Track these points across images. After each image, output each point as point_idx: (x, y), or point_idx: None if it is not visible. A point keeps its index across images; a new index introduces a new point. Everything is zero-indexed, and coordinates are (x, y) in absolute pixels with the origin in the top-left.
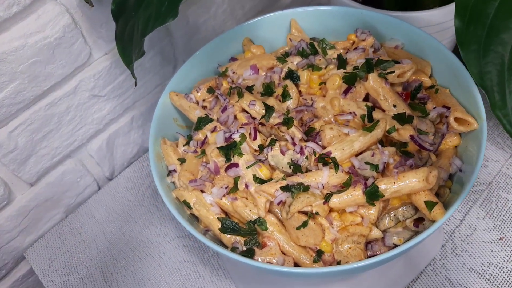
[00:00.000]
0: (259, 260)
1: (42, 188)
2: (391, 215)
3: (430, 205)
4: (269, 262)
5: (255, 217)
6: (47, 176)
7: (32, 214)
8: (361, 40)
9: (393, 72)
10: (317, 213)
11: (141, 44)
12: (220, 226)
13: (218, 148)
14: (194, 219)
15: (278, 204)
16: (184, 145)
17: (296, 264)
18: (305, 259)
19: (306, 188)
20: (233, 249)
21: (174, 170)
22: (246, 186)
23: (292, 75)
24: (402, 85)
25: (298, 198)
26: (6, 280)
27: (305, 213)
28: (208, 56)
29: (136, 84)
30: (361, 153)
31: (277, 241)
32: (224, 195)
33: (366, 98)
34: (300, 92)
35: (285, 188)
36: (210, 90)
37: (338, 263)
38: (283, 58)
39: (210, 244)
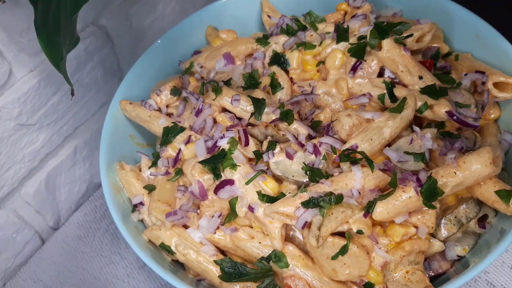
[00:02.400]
0: None
1: None
2: (451, 218)
3: (505, 195)
4: None
5: (268, 251)
6: None
7: None
8: (356, 8)
9: (411, 35)
10: (360, 232)
11: (72, 27)
12: (219, 273)
13: (200, 162)
14: (178, 266)
15: (303, 227)
16: (149, 168)
17: None
18: None
19: (339, 199)
20: None
21: (141, 203)
22: (251, 209)
23: (278, 60)
24: (421, 53)
25: (330, 215)
26: None
27: (340, 234)
28: (165, 52)
29: (73, 94)
30: (389, 144)
31: (305, 281)
32: (217, 227)
33: (380, 74)
34: (291, 79)
35: (309, 203)
36: (175, 91)
37: None
38: (264, 39)
39: None
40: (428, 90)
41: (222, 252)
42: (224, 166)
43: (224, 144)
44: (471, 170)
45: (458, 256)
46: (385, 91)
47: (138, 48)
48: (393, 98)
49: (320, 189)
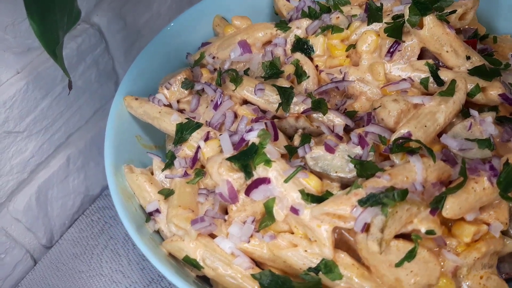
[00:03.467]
0: None
1: None
2: None
3: None
4: None
5: (316, 260)
6: None
7: None
8: None
9: (455, 11)
10: (430, 233)
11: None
12: None
13: (228, 159)
14: (204, 283)
15: (363, 230)
16: (163, 170)
17: None
18: None
19: (404, 194)
20: None
21: (157, 211)
22: (294, 210)
23: (302, 46)
24: (462, 33)
25: (394, 214)
26: None
27: (404, 237)
28: (169, 45)
29: (70, 87)
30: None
31: None
32: (251, 235)
33: (420, 57)
34: (316, 67)
35: (367, 201)
36: (187, 84)
37: None
38: (284, 24)
39: None
40: (477, 72)
41: (256, 264)
42: (256, 162)
43: (253, 138)
44: None
45: None
46: (429, 75)
47: (134, 48)
48: (438, 81)
49: (377, 184)
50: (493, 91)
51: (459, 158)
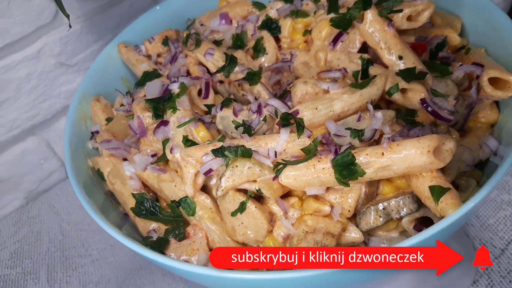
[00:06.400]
0: (171, 256)
1: None
2: (379, 208)
3: (437, 191)
4: (186, 261)
5: (181, 196)
6: (4, 153)
7: None
8: None
9: (401, 11)
10: (259, 191)
11: None
12: (133, 205)
13: (146, 100)
14: (113, 199)
15: (206, 174)
16: (121, 105)
17: None
18: None
19: (247, 153)
20: (146, 239)
21: (97, 132)
22: (171, 150)
23: (270, 25)
24: (416, 35)
25: (234, 167)
26: None
27: (246, 192)
28: (179, 9)
29: (70, 26)
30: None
31: (205, 233)
32: (148, 166)
33: (364, 50)
34: (280, 47)
35: (217, 152)
36: (166, 42)
37: None
38: (262, 3)
39: (101, 222)
40: (405, 73)
41: (151, 192)
42: (166, 107)
43: (174, 88)
44: (401, 155)
45: None
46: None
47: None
48: (366, 76)
49: (236, 142)
50: (414, 95)
51: (334, 143)
